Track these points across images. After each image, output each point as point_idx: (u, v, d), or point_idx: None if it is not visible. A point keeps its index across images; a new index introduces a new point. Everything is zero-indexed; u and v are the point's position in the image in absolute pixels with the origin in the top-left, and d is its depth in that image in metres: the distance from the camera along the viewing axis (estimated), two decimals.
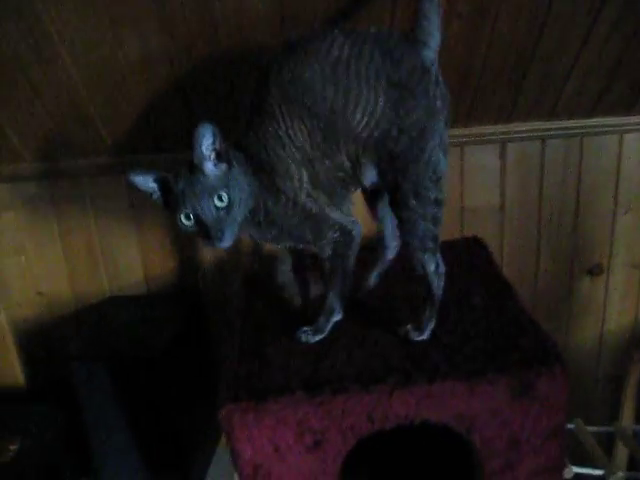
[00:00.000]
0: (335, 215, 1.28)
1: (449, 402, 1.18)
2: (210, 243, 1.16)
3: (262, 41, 1.47)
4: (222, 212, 1.14)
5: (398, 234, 1.38)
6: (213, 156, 1.14)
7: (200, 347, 1.94)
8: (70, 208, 1.89)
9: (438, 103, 1.18)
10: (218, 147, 1.13)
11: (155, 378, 1.62)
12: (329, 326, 1.36)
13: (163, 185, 1.18)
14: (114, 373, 1.65)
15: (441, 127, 1.20)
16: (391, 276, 1.49)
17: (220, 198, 1.14)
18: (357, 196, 1.34)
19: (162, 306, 1.88)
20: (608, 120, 1.79)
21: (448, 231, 1.83)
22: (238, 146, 1.21)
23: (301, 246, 1.32)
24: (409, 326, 1.32)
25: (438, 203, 1.23)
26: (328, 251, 1.30)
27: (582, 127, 1.80)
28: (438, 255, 1.27)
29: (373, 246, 1.46)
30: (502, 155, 1.82)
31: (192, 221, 1.15)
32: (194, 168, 1.13)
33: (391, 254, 1.46)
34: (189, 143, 1.11)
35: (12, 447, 1.73)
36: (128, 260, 1.95)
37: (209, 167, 1.14)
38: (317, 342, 1.34)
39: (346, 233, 1.29)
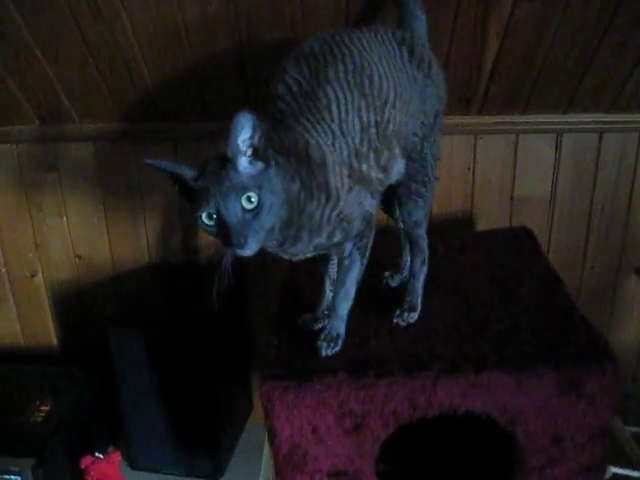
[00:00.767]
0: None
1: (495, 394, 1.16)
2: (230, 249, 1.02)
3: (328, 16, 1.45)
4: (249, 215, 0.99)
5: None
6: (250, 152, 1.00)
7: (238, 322, 1.93)
8: (114, 172, 1.89)
9: (441, 84, 1.29)
10: (257, 143, 1.00)
11: (191, 350, 1.62)
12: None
13: (177, 179, 1.04)
14: (149, 341, 1.65)
15: (443, 108, 1.30)
16: None
17: (249, 199, 0.99)
18: None
19: (202, 278, 1.86)
20: None
21: (496, 220, 1.82)
22: (270, 139, 1.06)
23: (321, 253, 1.23)
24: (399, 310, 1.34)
25: (435, 182, 1.33)
26: (349, 247, 1.22)
27: None
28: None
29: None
30: (558, 146, 1.78)
31: (214, 221, 1.01)
32: (226, 162, 1.00)
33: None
34: None
35: (44, 408, 1.74)
36: (169, 229, 1.94)
37: (243, 163, 1.00)
38: (361, 325, 1.31)
39: (368, 219, 1.21)
